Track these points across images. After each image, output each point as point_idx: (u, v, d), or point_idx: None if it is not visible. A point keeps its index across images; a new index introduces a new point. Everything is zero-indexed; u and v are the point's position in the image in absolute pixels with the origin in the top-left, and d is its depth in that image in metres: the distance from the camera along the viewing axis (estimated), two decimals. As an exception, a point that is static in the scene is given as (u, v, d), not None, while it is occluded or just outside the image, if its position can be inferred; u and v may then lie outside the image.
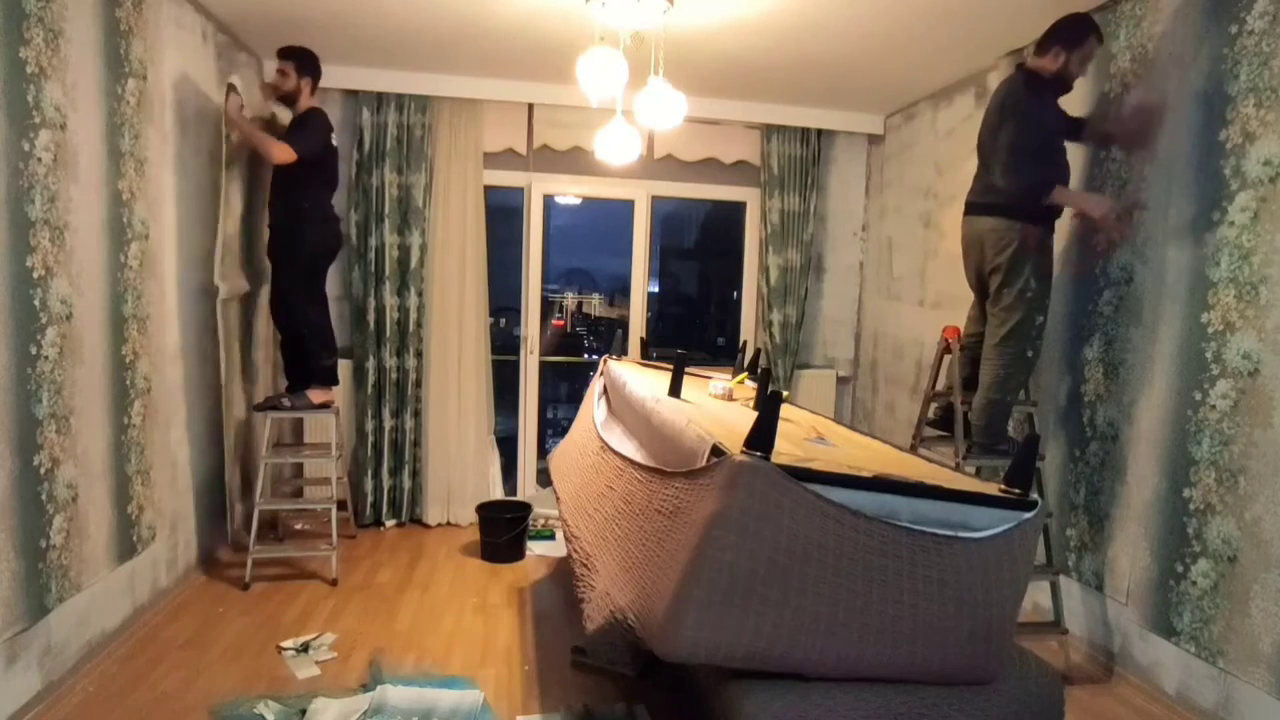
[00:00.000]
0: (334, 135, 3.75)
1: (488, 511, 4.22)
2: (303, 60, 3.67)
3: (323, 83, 4.38)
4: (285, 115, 3.91)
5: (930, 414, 3.44)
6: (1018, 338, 3.04)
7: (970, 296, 3.37)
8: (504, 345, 5.02)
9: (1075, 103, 3.35)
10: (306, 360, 3.79)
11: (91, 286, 2.72)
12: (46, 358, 2.47)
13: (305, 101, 3.70)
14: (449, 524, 4.65)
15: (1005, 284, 3.01)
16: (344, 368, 4.55)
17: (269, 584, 3.62)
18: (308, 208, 3.64)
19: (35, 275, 2.40)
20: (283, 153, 3.48)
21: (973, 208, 3.12)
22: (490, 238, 4.68)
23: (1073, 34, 2.90)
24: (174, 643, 3.02)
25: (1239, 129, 2.61)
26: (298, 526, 4.41)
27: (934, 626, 1.84)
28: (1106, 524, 3.13)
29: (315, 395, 3.75)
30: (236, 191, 3.82)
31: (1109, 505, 3.12)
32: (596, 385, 3.62)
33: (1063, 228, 3.39)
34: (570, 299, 9.72)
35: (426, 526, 4.61)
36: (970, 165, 3.24)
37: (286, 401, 3.72)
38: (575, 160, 4.77)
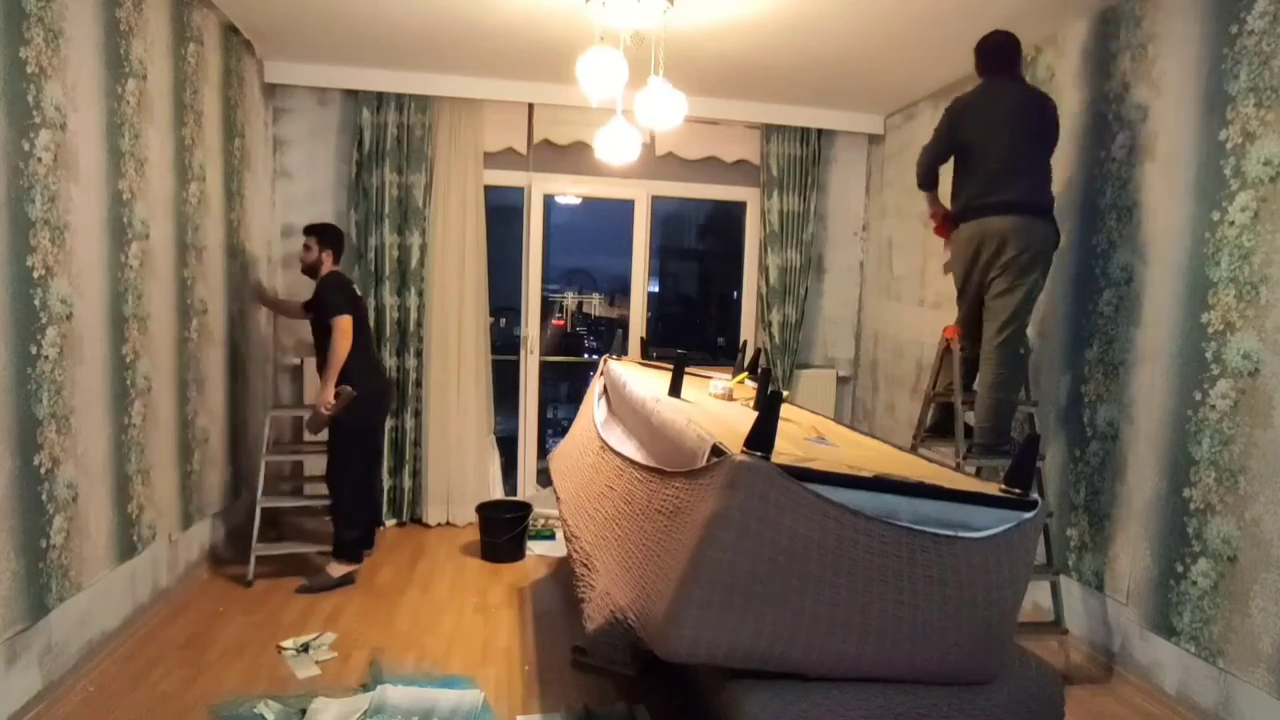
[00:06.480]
0: (357, 288, 3.85)
1: (488, 511, 4.22)
2: (324, 235, 3.78)
3: (323, 82, 4.42)
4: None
5: (928, 421, 3.43)
6: (1017, 336, 3.04)
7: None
8: (504, 345, 5.02)
9: (1071, 102, 3.35)
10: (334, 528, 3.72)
11: (92, 286, 2.72)
12: (47, 357, 2.47)
13: (326, 270, 3.76)
14: (449, 524, 4.65)
15: (1017, 280, 2.96)
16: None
17: (270, 582, 3.62)
18: (346, 372, 3.57)
19: (35, 275, 2.40)
20: (341, 335, 3.53)
21: (1001, 206, 2.97)
22: (490, 237, 4.68)
23: (1018, 47, 3.11)
24: (174, 642, 3.02)
25: (1239, 129, 2.61)
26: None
27: (934, 626, 1.84)
28: (1107, 524, 3.13)
29: (335, 569, 3.64)
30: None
31: (1109, 505, 3.12)
32: (597, 385, 3.61)
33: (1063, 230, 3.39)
34: (570, 299, 9.71)
35: (426, 526, 4.61)
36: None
37: (307, 584, 3.58)
38: (575, 159, 4.77)
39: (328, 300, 3.61)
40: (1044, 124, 3.03)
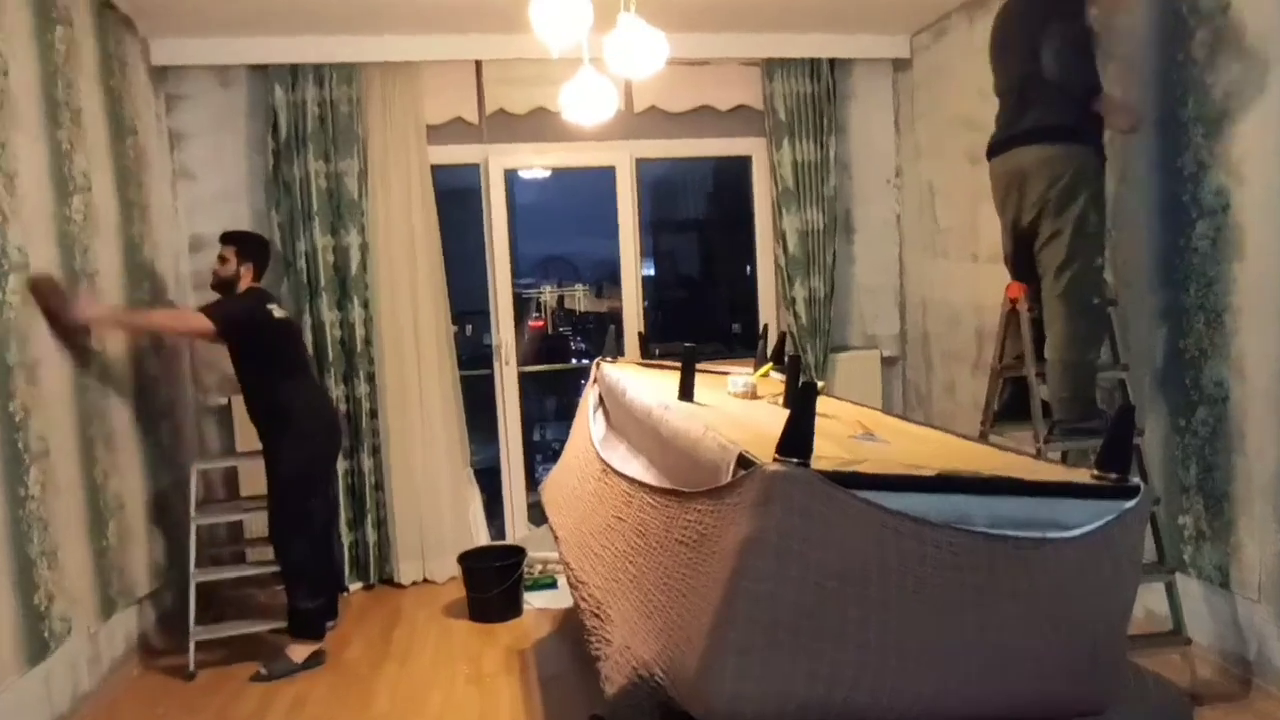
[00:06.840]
0: (273, 306, 3.80)
1: (472, 561, 4.23)
2: (245, 245, 3.81)
3: (223, 59, 4.43)
4: None
5: (997, 401, 3.44)
6: (1083, 284, 3.06)
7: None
8: (473, 357, 5.05)
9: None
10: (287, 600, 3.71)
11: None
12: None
13: (245, 286, 3.78)
14: (426, 581, 4.66)
15: (1059, 223, 3.04)
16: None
17: (216, 671, 3.63)
18: (279, 406, 3.67)
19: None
20: (180, 321, 3.56)
21: (1011, 140, 3.15)
22: (444, 227, 4.69)
23: None
24: (106, 757, 3.02)
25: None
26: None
27: (1026, 650, 1.84)
28: (1226, 506, 3.13)
29: (295, 652, 3.63)
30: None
31: (1226, 483, 3.12)
32: (590, 396, 3.62)
33: (1134, 148, 3.39)
34: (549, 294, 9.75)
35: (400, 586, 4.62)
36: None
37: (264, 671, 3.57)
38: (539, 125, 4.77)
39: (217, 303, 3.62)
40: (1032, 18, 3.04)
